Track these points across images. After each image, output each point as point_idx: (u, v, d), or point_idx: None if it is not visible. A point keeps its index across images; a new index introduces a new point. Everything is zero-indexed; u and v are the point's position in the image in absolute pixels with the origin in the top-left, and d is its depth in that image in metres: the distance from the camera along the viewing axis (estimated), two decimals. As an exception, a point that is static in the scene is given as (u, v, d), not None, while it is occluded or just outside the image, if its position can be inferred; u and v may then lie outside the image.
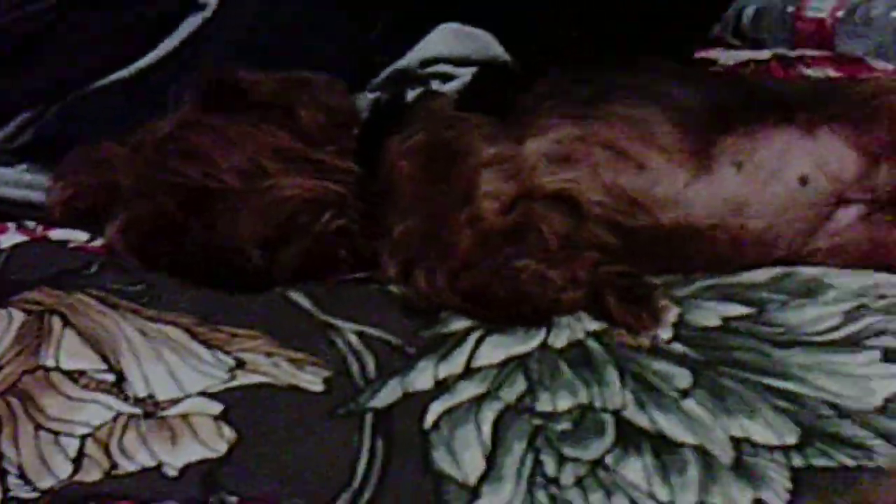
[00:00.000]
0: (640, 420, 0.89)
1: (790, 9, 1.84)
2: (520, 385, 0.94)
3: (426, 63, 1.39)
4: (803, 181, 1.19)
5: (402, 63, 1.39)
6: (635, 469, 0.84)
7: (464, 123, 1.19)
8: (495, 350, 0.99)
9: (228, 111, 1.19)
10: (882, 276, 1.12)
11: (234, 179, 1.14)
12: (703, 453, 0.85)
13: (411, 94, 1.32)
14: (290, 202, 1.14)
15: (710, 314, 1.05)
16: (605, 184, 1.16)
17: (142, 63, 1.37)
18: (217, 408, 0.90)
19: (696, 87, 1.25)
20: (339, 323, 1.04)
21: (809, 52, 1.75)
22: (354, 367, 0.97)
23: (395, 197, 1.16)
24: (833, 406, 0.91)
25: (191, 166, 1.15)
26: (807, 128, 1.22)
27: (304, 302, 1.07)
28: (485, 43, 1.42)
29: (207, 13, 1.39)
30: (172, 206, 1.13)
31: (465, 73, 1.38)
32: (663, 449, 0.86)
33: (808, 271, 1.14)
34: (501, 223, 1.11)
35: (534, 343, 1.00)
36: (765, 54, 1.76)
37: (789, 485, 0.83)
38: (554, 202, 1.15)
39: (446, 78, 1.39)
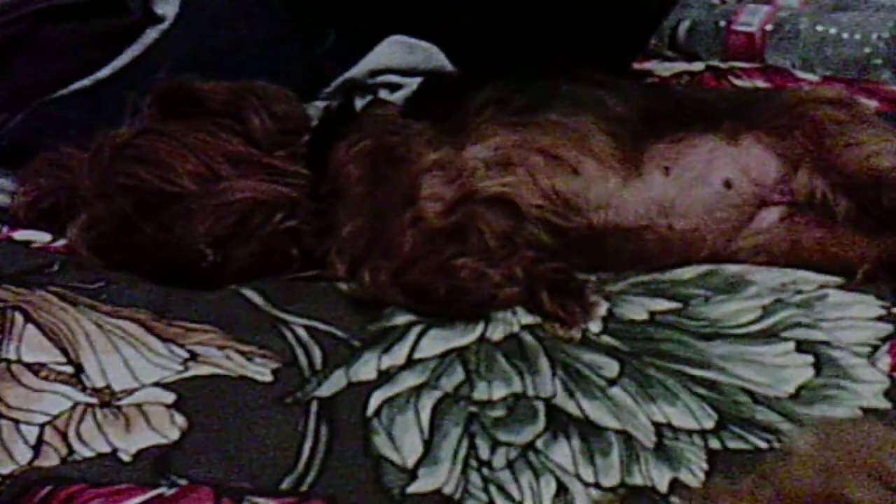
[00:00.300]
0: (569, 407, 0.91)
1: (722, 23, 1.86)
2: (458, 375, 0.96)
3: (375, 73, 1.41)
4: (727, 185, 1.22)
5: (351, 73, 1.40)
6: (563, 452, 0.86)
7: (408, 130, 1.21)
8: (436, 343, 1.01)
9: (183, 118, 1.21)
10: (800, 273, 1.16)
11: (189, 183, 1.15)
12: (626, 437, 0.87)
13: (360, 103, 1.33)
14: (243, 204, 1.15)
15: (637, 308, 1.07)
16: (541, 187, 1.19)
17: (102, 73, 1.38)
18: (170, 397, 0.91)
19: (628, 97, 1.27)
20: (288, 317, 1.05)
21: (739, 64, 1.78)
22: (302, 359, 0.98)
23: (342, 199, 1.18)
24: (749, 393, 0.94)
25: (147, 170, 1.16)
26: (731, 135, 1.25)
27: (256, 298, 1.09)
28: (430, 54, 1.43)
29: (164, 26, 1.40)
30: (130, 208, 1.14)
31: (412, 83, 1.39)
32: (590, 433, 0.88)
33: (731, 269, 1.17)
34: (443, 224, 1.13)
35: (472, 336, 1.02)
36: (698, 66, 1.79)
37: (705, 466, 0.85)
38: (493, 204, 1.17)
39: (394, 87, 1.40)
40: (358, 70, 1.41)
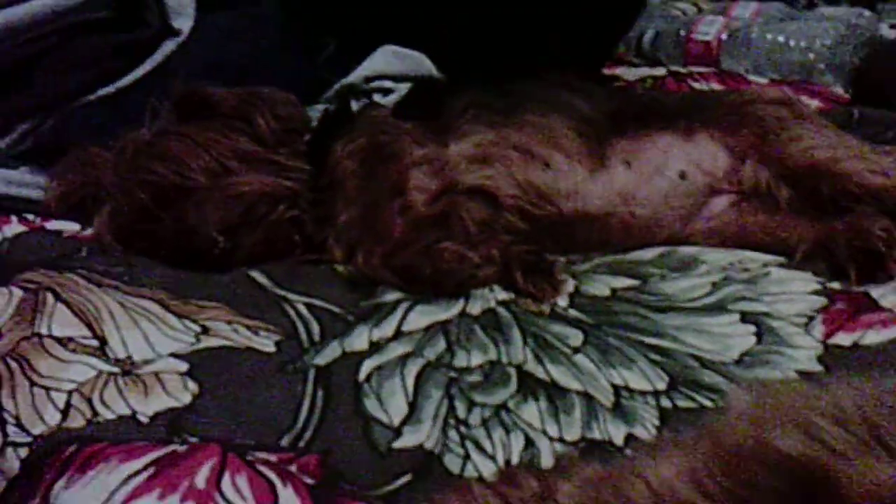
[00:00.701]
0: (538, 372, 0.92)
1: (683, 32, 1.87)
2: (440, 345, 0.97)
3: (369, 79, 1.42)
4: (682, 176, 1.23)
5: (348, 79, 1.41)
6: (532, 411, 0.87)
7: (397, 129, 1.22)
8: (421, 317, 1.02)
9: (197, 121, 1.22)
10: (746, 254, 1.17)
11: (202, 177, 1.16)
12: (587, 398, 0.88)
13: (355, 105, 1.34)
14: (250, 195, 1.16)
15: (601, 286, 1.09)
16: (517, 179, 1.19)
17: (124, 82, 1.39)
18: (184, 366, 0.92)
19: (594, 99, 1.28)
20: (290, 296, 1.06)
21: (698, 69, 1.79)
22: (302, 332, 0.99)
23: (339, 191, 1.19)
24: (698, 359, 0.95)
25: (165, 166, 1.17)
26: (686, 132, 1.26)
27: (262, 279, 1.10)
28: (419, 62, 1.44)
29: (181, 39, 1.41)
30: (149, 201, 1.15)
31: (402, 88, 1.40)
32: (555, 395, 0.89)
33: (686, 250, 1.18)
34: (428, 212, 1.14)
35: (454, 311, 1.03)
36: (661, 71, 1.80)
37: (657, 422, 0.86)
38: (473, 195, 1.17)
39: (386, 92, 1.41)
40: (354, 76, 1.42)
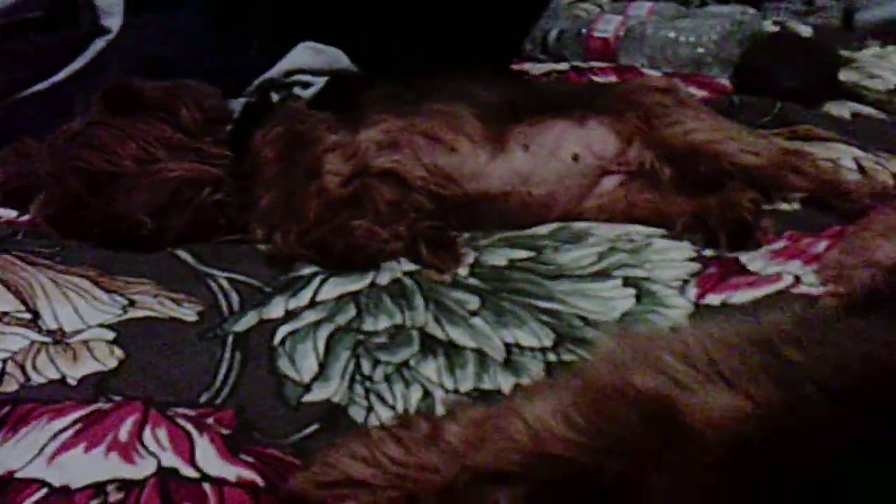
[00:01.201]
0: (438, 333, 0.96)
1: (584, 30, 1.92)
2: (351, 312, 1.00)
3: (289, 74, 1.44)
4: (575, 158, 1.28)
5: (270, 74, 1.43)
6: (430, 367, 0.91)
7: (313, 118, 1.24)
8: (334, 288, 1.05)
9: (126, 112, 1.23)
10: (633, 227, 1.21)
11: (130, 164, 1.18)
12: (481, 354, 0.92)
13: (276, 98, 1.37)
14: (176, 180, 1.18)
15: (500, 257, 1.12)
16: (424, 163, 1.23)
17: (58, 77, 1.40)
18: (111, 335, 0.94)
19: (496, 89, 1.32)
20: (214, 272, 1.09)
21: (598, 64, 1.84)
22: (223, 303, 1.02)
23: (260, 176, 1.21)
24: (583, 319, 0.99)
25: (95, 155, 1.18)
26: (579, 119, 1.30)
27: (188, 257, 1.12)
28: (336, 57, 1.47)
29: (110, 37, 1.42)
30: (81, 187, 1.17)
31: (320, 81, 1.43)
32: (452, 352, 0.93)
33: (578, 225, 1.22)
34: (341, 193, 1.17)
35: (364, 282, 1.06)
36: (564, 66, 1.84)
37: (543, 374, 0.90)
38: (384, 177, 1.21)
39: (305, 85, 1.44)
40: (275, 71, 1.45)
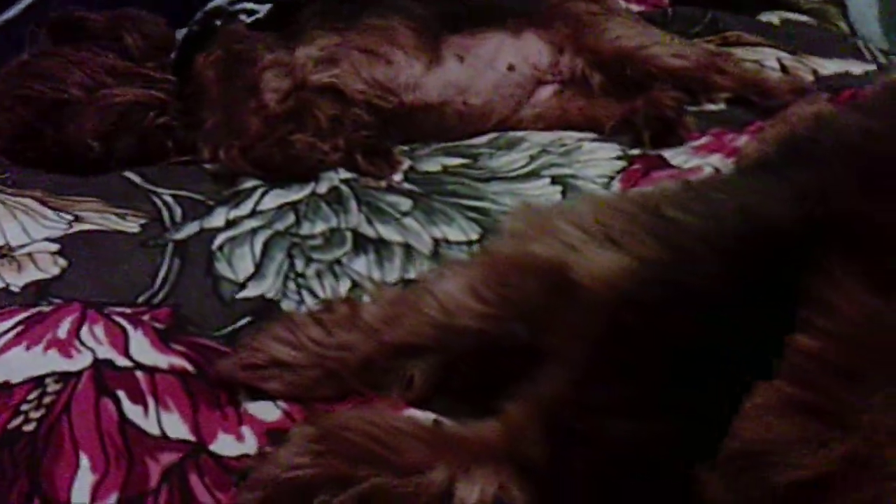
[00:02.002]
0: (369, 232, 0.97)
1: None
2: (290, 219, 1.01)
3: (235, 2, 1.43)
4: (511, 68, 1.28)
5: (215, 3, 1.42)
6: (360, 263, 0.92)
7: (251, 39, 1.24)
8: (275, 199, 1.06)
9: (71, 42, 1.22)
10: (566, 133, 1.22)
11: (77, 91, 1.18)
12: (408, 248, 0.93)
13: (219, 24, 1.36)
14: (122, 105, 1.18)
15: (435, 164, 1.13)
16: (362, 76, 1.23)
17: (9, 14, 1.38)
18: (55, 247, 0.94)
19: (429, 3, 1.32)
20: (159, 189, 1.09)
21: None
22: (166, 215, 1.02)
23: (203, 98, 1.21)
24: (509, 214, 1.00)
25: (42, 84, 1.18)
26: (514, 30, 1.30)
27: (136, 178, 1.12)
28: (280, -16, 1.45)
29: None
30: (29, 115, 1.17)
31: (265, 9, 1.42)
32: (381, 248, 0.94)
33: (514, 134, 1.23)
34: (280, 109, 1.17)
35: (305, 192, 1.07)
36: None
37: (469, 261, 0.91)
38: (323, 92, 1.21)
39: (250, 13, 1.42)
40: (221, 0, 1.43)
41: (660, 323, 0.58)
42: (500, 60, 1.28)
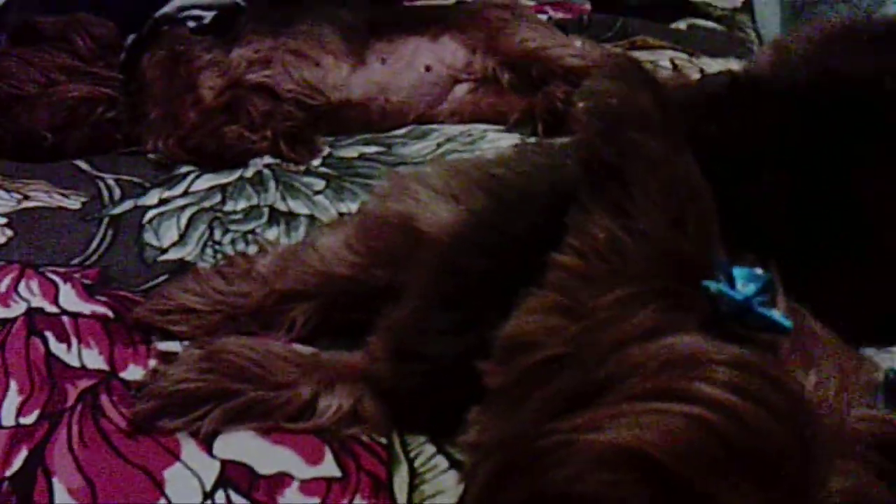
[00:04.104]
0: (282, 207, 1.09)
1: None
2: (216, 198, 1.13)
3: (182, 9, 1.55)
4: (428, 69, 1.40)
5: (164, 10, 1.54)
6: (272, 232, 1.05)
7: (191, 42, 1.37)
8: (206, 181, 1.18)
9: (28, 44, 1.35)
10: (474, 126, 1.34)
11: (32, 88, 1.30)
12: (312, 219, 1.06)
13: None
14: (73, 100, 1.31)
15: (352, 151, 1.26)
16: (293, 77, 1.36)
17: (-25, 20, 1.51)
18: (4, 220, 1.06)
19: (357, 10, 1.44)
20: (104, 175, 1.21)
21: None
22: (105, 195, 1.14)
23: (147, 94, 1.34)
24: (409, 192, 1.12)
25: (1, 81, 1.30)
26: (432, 35, 1.43)
27: (83, 165, 1.24)
28: (226, -7, 1.58)
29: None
30: (-14, 109, 1.29)
31: (210, 15, 1.54)
32: (290, 220, 1.06)
33: (430, 127, 1.35)
34: (215, 103, 1.29)
35: (233, 176, 1.19)
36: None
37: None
38: (257, 90, 1.33)
39: (197, 19, 1.55)
40: (169, 7, 1.55)
41: (481, 259, 0.70)
42: (418, 62, 1.41)
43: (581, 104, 0.61)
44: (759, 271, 0.56)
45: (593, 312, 0.55)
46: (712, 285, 0.54)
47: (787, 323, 0.53)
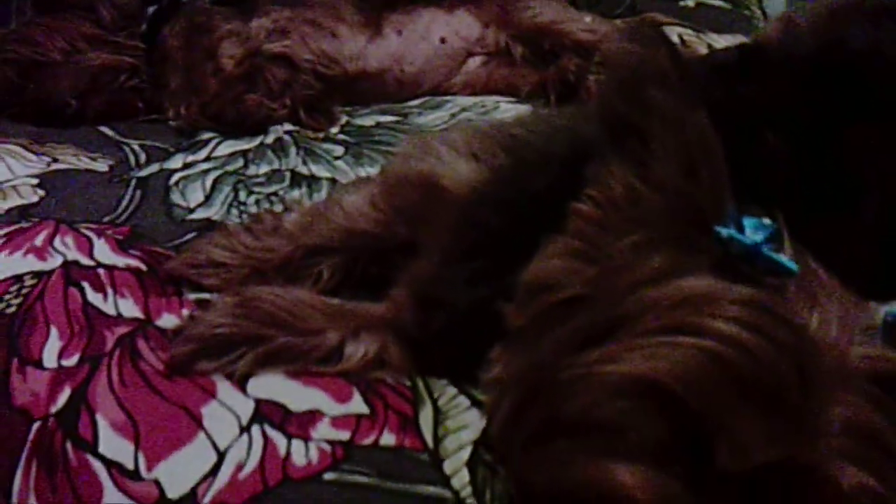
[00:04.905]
0: (304, 171, 1.13)
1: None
2: (239, 163, 1.17)
3: (201, -19, 1.58)
4: (443, 41, 1.44)
5: (184, -18, 1.58)
6: (294, 194, 1.08)
7: (210, 12, 1.40)
8: (228, 147, 1.22)
9: (52, 13, 1.39)
10: (488, 97, 1.38)
11: (56, 55, 1.34)
12: (333, 181, 1.10)
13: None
14: (95, 68, 1.34)
15: (369, 120, 1.29)
16: (310, 47, 1.39)
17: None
18: (35, 181, 1.10)
19: (374, -17, 1.48)
20: (129, 140, 1.25)
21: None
22: (131, 159, 1.18)
23: (168, 63, 1.37)
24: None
25: (25, 48, 1.34)
26: (447, 7, 1.46)
27: (108, 131, 1.28)
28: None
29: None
30: (13, 75, 1.33)
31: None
32: (313, 183, 1.10)
33: (444, 98, 1.39)
34: (235, 72, 1.33)
35: (254, 143, 1.23)
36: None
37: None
38: (275, 60, 1.37)
39: (217, -9, 1.58)
40: (189, -21, 1.59)
41: (501, 214, 0.74)
42: (433, 34, 1.45)
43: (601, 65, 0.64)
44: (767, 221, 0.60)
45: (610, 257, 0.59)
46: (723, 231, 0.57)
47: (794, 266, 0.57)
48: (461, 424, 0.68)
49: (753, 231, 0.59)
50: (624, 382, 0.54)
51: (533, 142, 0.77)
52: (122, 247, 0.93)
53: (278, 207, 1.03)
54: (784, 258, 0.57)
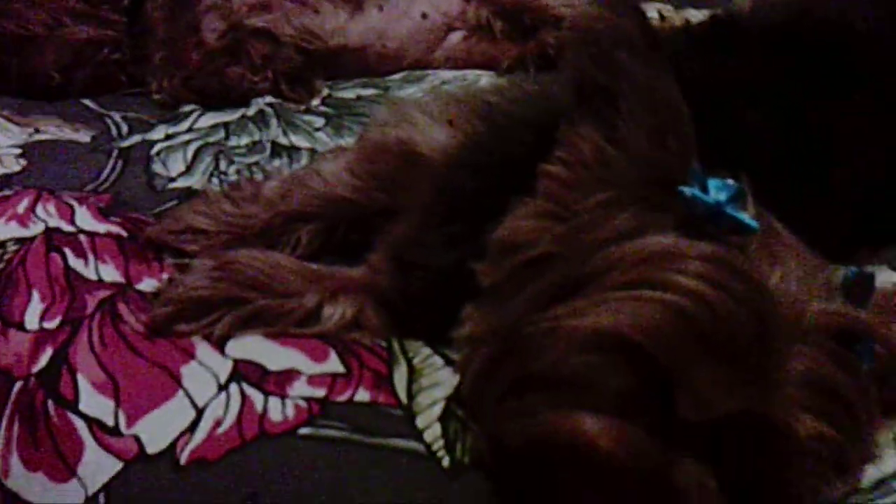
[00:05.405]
0: (284, 141, 1.14)
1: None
2: (220, 134, 1.18)
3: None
4: (424, 16, 1.45)
5: (165, -43, 1.58)
6: (275, 163, 1.09)
7: (193, -14, 1.40)
8: (210, 119, 1.22)
9: (35, -14, 1.39)
10: (468, 71, 1.39)
11: (40, 29, 1.34)
12: (313, 151, 1.10)
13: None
14: (79, 41, 1.34)
15: (350, 93, 1.30)
16: (292, 22, 1.39)
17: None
18: (18, 151, 1.10)
19: (354, -40, 1.48)
20: (111, 112, 1.25)
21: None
22: (113, 130, 1.19)
23: (151, 37, 1.38)
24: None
25: (9, 21, 1.34)
26: (427, -17, 1.47)
27: (91, 103, 1.29)
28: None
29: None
30: (-2, 50, 1.33)
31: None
32: (293, 153, 1.11)
33: (425, 72, 1.40)
34: (218, 45, 1.33)
35: (237, 115, 1.24)
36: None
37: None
38: (257, 35, 1.37)
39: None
40: (170, -46, 1.59)
41: (476, 178, 0.75)
42: (414, 9, 1.45)
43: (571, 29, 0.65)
44: (730, 182, 0.62)
45: (578, 215, 0.60)
46: (687, 190, 0.59)
47: (754, 224, 0.58)
48: (434, 382, 0.69)
49: (717, 191, 0.60)
50: (590, 336, 0.55)
51: (507, 108, 0.78)
52: (103, 213, 0.94)
53: (259, 177, 1.04)
54: (745, 217, 0.58)
